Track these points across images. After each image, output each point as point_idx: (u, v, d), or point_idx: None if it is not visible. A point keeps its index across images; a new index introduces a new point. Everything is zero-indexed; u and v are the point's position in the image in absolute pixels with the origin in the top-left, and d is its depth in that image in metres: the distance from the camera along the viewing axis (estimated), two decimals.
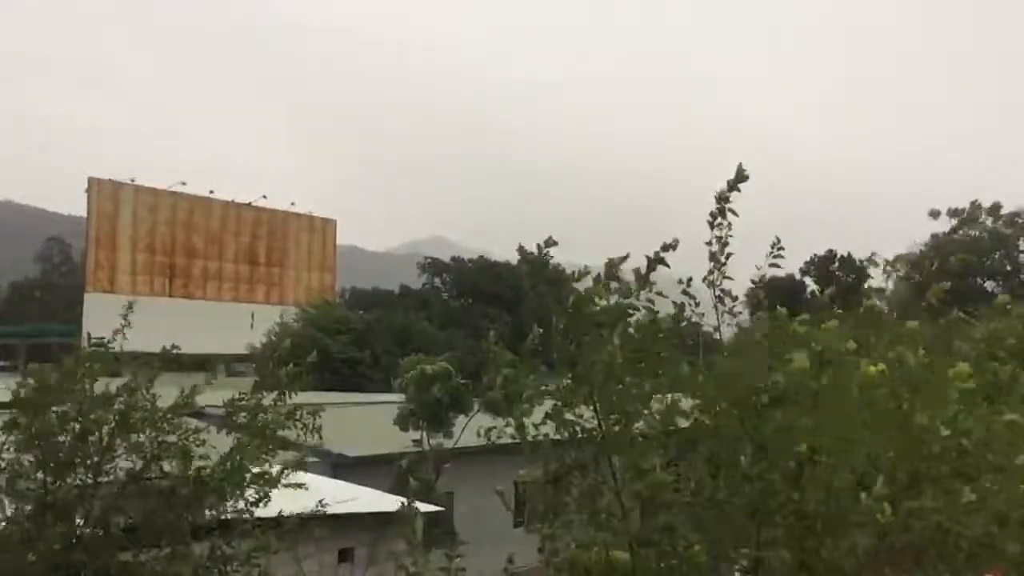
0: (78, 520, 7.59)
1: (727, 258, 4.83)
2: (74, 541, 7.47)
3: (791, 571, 4.30)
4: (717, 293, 4.86)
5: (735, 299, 4.89)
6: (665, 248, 4.88)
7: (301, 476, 8.91)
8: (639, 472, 5.02)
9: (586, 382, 5.00)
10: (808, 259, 66.86)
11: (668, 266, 4.85)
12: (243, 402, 8.58)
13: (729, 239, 4.83)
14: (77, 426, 7.64)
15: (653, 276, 4.82)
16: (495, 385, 5.34)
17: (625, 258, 4.99)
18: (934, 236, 66.77)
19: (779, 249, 4.85)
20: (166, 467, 7.93)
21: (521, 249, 5.42)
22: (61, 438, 7.59)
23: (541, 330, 5.16)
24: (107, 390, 7.90)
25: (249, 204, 75.43)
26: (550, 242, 5.24)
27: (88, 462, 7.71)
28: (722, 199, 4.81)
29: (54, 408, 7.65)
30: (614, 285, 4.91)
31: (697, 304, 4.87)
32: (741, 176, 4.81)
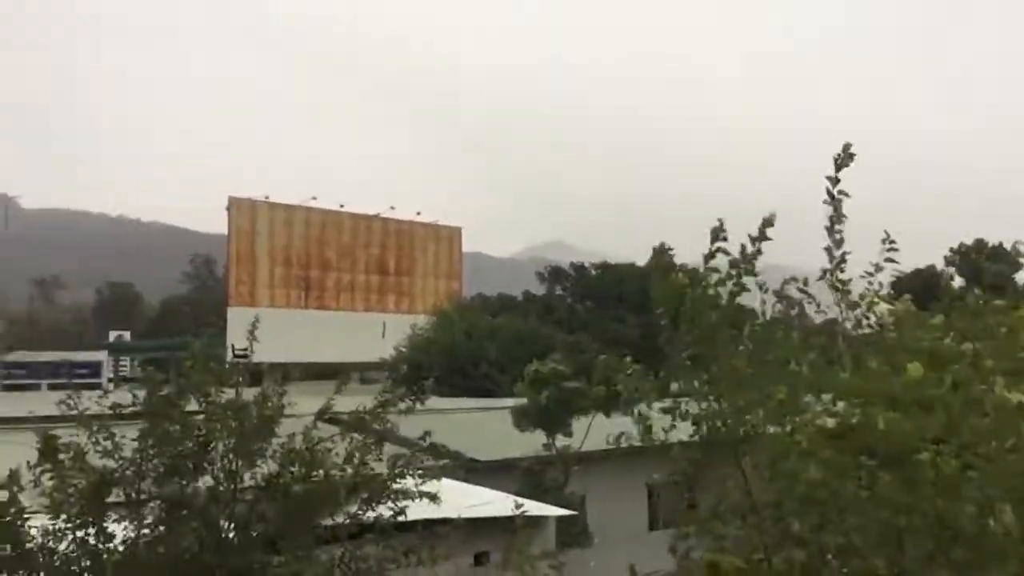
0: (214, 523, 7.96)
1: (844, 255, 4.66)
2: (204, 544, 7.82)
3: None
4: (837, 290, 4.71)
5: (856, 296, 4.73)
6: (766, 224, 4.75)
7: (435, 482, 9.13)
8: (778, 471, 4.91)
9: (718, 381, 4.95)
10: (954, 248, 63.08)
11: (770, 239, 4.70)
12: (378, 410, 8.88)
13: (842, 234, 4.66)
14: (201, 433, 8.01)
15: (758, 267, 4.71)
16: (603, 388, 5.39)
17: (721, 233, 4.86)
18: None
19: (891, 243, 4.67)
20: (298, 472, 8.23)
21: (657, 255, 5.41)
22: (188, 444, 7.95)
23: (667, 339, 5.12)
24: (233, 397, 8.26)
25: (377, 216, 77.54)
26: (662, 249, 5.21)
27: (216, 467, 8.09)
28: (834, 182, 4.63)
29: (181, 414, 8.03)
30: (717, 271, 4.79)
31: (817, 303, 4.74)
32: (847, 155, 4.62)
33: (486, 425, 24.44)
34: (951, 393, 4.10)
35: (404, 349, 50.88)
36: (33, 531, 7.34)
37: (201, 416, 8.08)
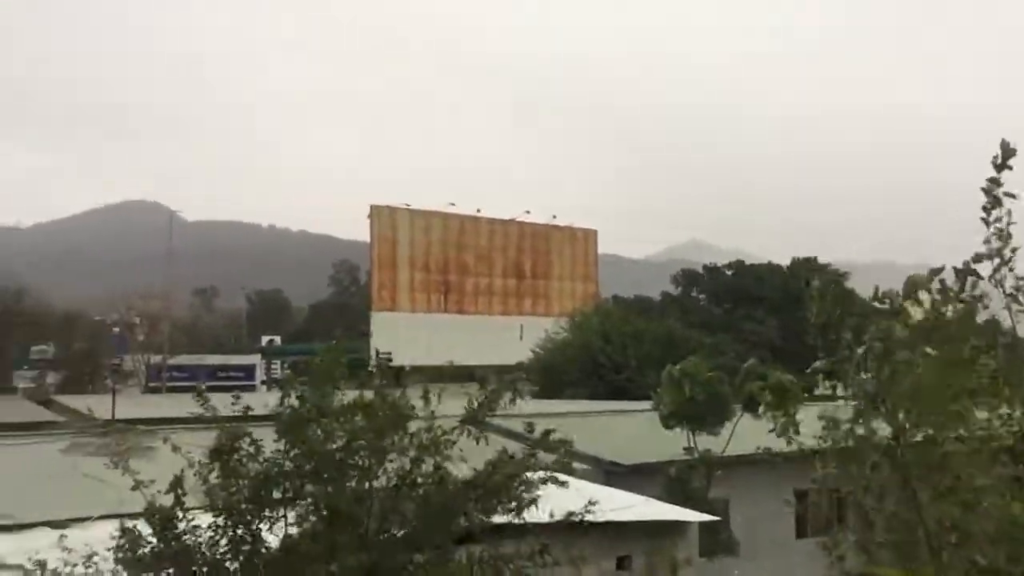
0: (359, 522, 8.17)
1: (1014, 251, 4.33)
2: (350, 543, 8.02)
3: None
4: (1008, 292, 4.39)
5: None
6: (978, 259, 4.46)
7: (576, 484, 9.12)
8: (954, 492, 4.60)
9: (891, 394, 4.69)
10: None
11: (981, 278, 4.43)
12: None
13: (1010, 228, 4.34)
14: (343, 435, 8.22)
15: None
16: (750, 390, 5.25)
17: (940, 270, 4.60)
18: None
19: None
20: (428, 470, 8.38)
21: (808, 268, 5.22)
22: (331, 446, 8.17)
23: (831, 358, 4.90)
24: (362, 396, 8.47)
25: (513, 220, 78.38)
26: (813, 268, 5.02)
27: (357, 468, 8.29)
28: (993, 183, 4.34)
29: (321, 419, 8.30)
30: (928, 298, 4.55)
31: (985, 303, 4.45)
32: (1008, 152, 4.31)
33: (626, 428, 24.28)
34: None
35: (540, 351, 51.13)
36: (194, 526, 7.74)
37: (339, 417, 8.32)
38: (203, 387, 10.29)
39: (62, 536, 8.72)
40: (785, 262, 73.93)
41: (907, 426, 4.69)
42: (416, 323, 66.46)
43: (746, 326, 63.18)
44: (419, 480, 8.28)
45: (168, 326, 72.31)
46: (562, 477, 8.91)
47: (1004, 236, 4.35)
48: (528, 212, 79.06)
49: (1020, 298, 4.37)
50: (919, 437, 4.72)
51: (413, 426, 8.46)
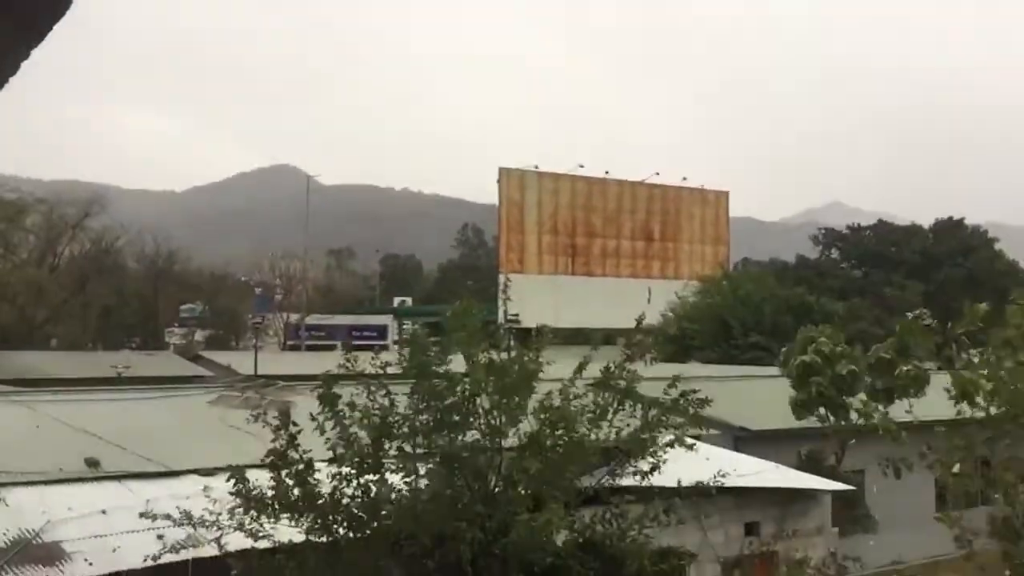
0: (482, 475, 8.34)
1: None
2: (473, 495, 8.22)
3: None
4: None
5: None
6: None
7: (705, 449, 9.04)
8: None
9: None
10: None
11: None
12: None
13: None
14: (466, 389, 8.38)
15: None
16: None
17: None
18: None
19: None
20: (555, 429, 8.46)
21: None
22: (453, 399, 8.35)
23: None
24: (496, 357, 8.58)
25: (642, 182, 77.36)
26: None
27: (481, 422, 8.43)
28: None
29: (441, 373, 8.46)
30: None
31: None
32: None
33: (755, 394, 23.81)
34: None
35: (670, 315, 50.55)
36: (320, 476, 8.07)
37: (465, 374, 8.49)
38: (349, 343, 10.67)
39: (206, 487, 9.25)
40: (929, 224, 70.41)
41: None
42: (544, 285, 66.71)
43: (885, 290, 60.69)
44: (548, 442, 8.38)
45: (306, 286, 75.14)
46: (690, 441, 8.84)
47: None
48: (658, 174, 77.87)
49: None
50: None
51: (545, 388, 8.56)
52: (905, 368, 15.71)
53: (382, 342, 65.38)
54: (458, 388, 8.40)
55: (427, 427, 8.38)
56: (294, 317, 70.58)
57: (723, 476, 8.67)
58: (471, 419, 8.42)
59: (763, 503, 12.01)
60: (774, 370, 24.01)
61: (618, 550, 8.30)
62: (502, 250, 72.36)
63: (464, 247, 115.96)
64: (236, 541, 8.01)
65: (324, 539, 7.99)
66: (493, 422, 8.43)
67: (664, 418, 8.75)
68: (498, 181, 72.21)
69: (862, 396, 19.24)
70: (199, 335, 65.51)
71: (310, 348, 63.30)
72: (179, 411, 15.71)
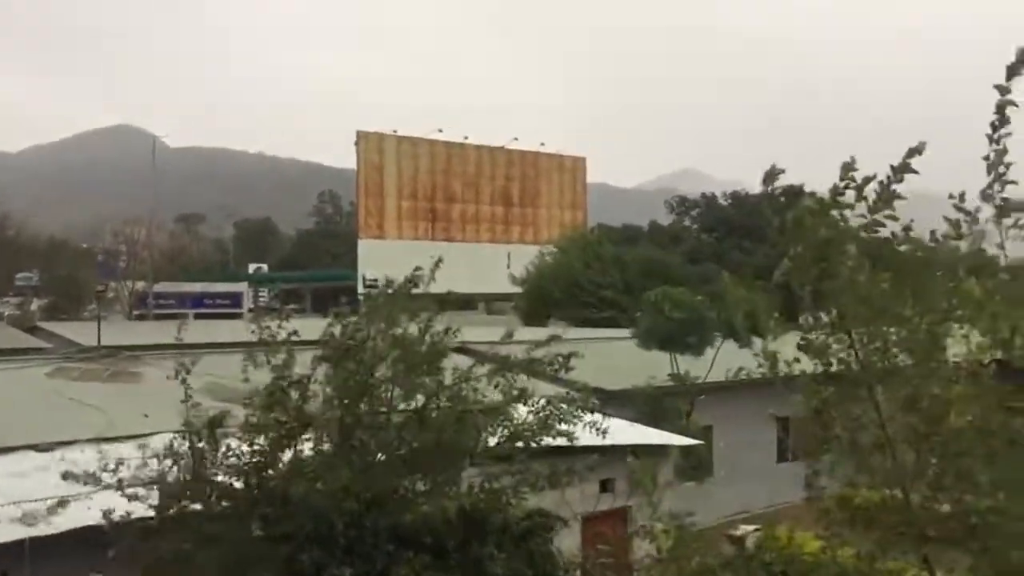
0: (365, 448, 8.28)
1: (1008, 167, 4.21)
2: (352, 467, 8.13)
3: None
4: (997, 205, 4.29)
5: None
6: (911, 153, 4.42)
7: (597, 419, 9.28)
8: (911, 403, 4.71)
9: (839, 308, 4.73)
10: None
11: (916, 172, 4.37)
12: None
13: (1007, 142, 4.22)
14: (366, 359, 8.27)
15: (916, 197, 4.41)
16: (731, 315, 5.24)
17: (871, 179, 4.57)
18: None
19: None
20: (444, 405, 8.47)
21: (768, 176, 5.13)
22: (356, 372, 8.22)
23: (789, 262, 4.90)
24: (396, 329, 8.49)
25: (502, 148, 77.68)
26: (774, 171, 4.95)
27: (376, 395, 8.35)
28: (1004, 93, 4.18)
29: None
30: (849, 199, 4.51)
31: (974, 220, 4.36)
32: (1018, 68, 4.16)
33: (609, 355, 24.43)
34: None
35: (526, 279, 51.27)
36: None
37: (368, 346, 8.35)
38: (188, 317, 10.25)
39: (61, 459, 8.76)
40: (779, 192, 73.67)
41: (864, 342, 4.72)
42: (404, 251, 66.25)
43: (735, 256, 63.31)
44: (430, 412, 8.38)
45: (152, 252, 71.89)
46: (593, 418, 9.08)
47: (1001, 151, 4.25)
48: (516, 139, 78.41)
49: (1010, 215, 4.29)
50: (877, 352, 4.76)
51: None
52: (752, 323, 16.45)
53: (237, 310, 63.53)
54: (358, 358, 8.29)
55: (327, 399, 8.24)
56: (140, 285, 67.50)
57: (591, 433, 8.96)
58: (369, 392, 8.32)
59: (617, 460, 12.35)
60: (628, 331, 24.72)
61: (489, 514, 8.43)
62: (361, 215, 71.31)
63: (322, 213, 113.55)
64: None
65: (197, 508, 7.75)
66: (386, 395, 8.37)
67: (566, 398, 8.96)
68: (356, 145, 70.95)
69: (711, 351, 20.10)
70: (36, 304, 61.71)
71: (160, 317, 60.74)
72: (13, 384, 14.76)
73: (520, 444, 8.57)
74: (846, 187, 4.60)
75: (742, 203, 70.50)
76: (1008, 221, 4.24)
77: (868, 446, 4.97)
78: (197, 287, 70.21)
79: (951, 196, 4.37)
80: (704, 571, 5.35)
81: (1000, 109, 4.20)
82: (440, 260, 9.02)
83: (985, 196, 4.27)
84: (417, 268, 8.86)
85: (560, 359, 9.17)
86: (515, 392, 8.69)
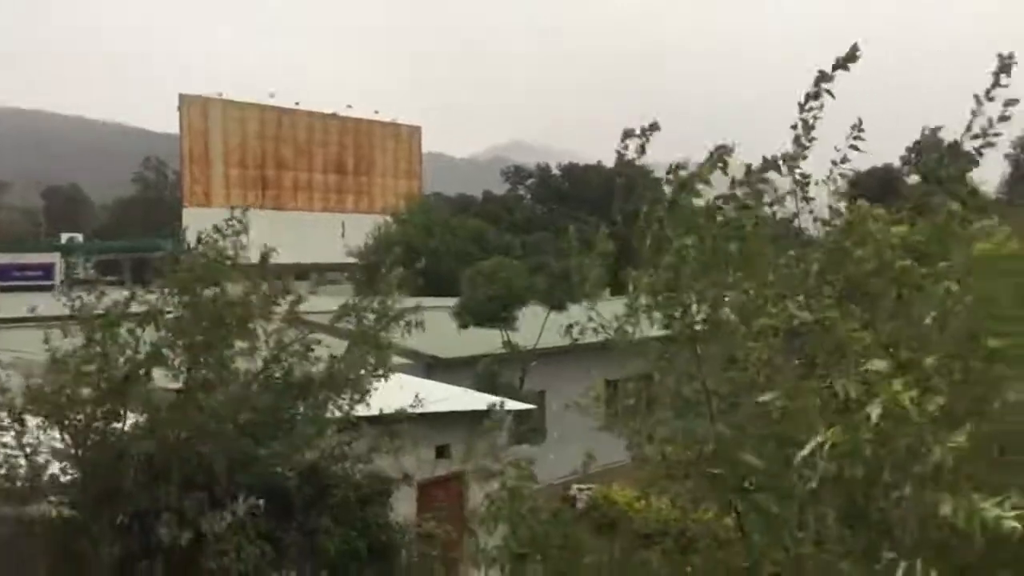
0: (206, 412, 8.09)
1: (811, 141, 4.58)
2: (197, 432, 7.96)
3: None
4: (796, 178, 4.66)
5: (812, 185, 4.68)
6: (719, 156, 4.72)
7: (398, 378, 9.31)
8: (731, 360, 4.99)
9: (671, 276, 4.97)
10: (909, 146, 62.68)
11: (777, 168, 4.63)
12: (354, 307, 8.98)
13: (816, 121, 4.58)
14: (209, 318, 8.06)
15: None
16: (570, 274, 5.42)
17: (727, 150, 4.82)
18: None
19: (859, 131, 4.61)
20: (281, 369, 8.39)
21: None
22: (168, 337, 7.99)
23: (608, 230, 5.15)
24: (229, 293, 8.29)
25: (334, 115, 76.06)
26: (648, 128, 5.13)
27: (213, 358, 8.13)
28: (823, 79, 4.51)
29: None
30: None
31: (775, 191, 4.70)
32: (853, 55, 4.49)
33: (445, 324, 24.57)
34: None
35: (363, 249, 50.79)
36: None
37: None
38: None
39: None
40: (610, 163, 75.63)
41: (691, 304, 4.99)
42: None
43: (569, 224, 64.66)
44: (268, 376, 8.28)
45: None
46: (395, 379, 9.12)
47: (807, 128, 4.57)
48: (350, 107, 76.97)
49: (807, 188, 4.64)
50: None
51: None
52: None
53: (48, 282, 59.57)
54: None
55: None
56: None
57: (420, 400, 9.02)
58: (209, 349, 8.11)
59: (453, 427, 12.49)
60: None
61: (331, 476, 8.44)
62: (186, 183, 68.35)
63: (145, 180, 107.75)
64: None
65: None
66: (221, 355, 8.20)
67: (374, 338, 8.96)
68: (179, 109, 67.72)
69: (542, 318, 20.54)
70: None
71: None
72: None
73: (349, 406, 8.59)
74: (719, 164, 4.81)
75: (573, 173, 72.14)
76: (801, 194, 4.61)
77: (689, 403, 5.25)
78: (5, 258, 65.34)
79: (749, 169, 4.67)
80: (535, 521, 5.54)
81: (815, 95, 4.52)
82: (243, 223, 8.81)
83: (789, 167, 4.59)
84: (233, 229, 8.66)
85: (384, 321, 9.19)
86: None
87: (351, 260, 53.36)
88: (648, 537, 5.71)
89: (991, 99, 4.41)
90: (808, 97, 4.58)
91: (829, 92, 4.54)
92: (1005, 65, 4.41)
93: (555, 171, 73.89)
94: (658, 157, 5.34)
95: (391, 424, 9.08)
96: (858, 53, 4.47)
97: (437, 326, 23.92)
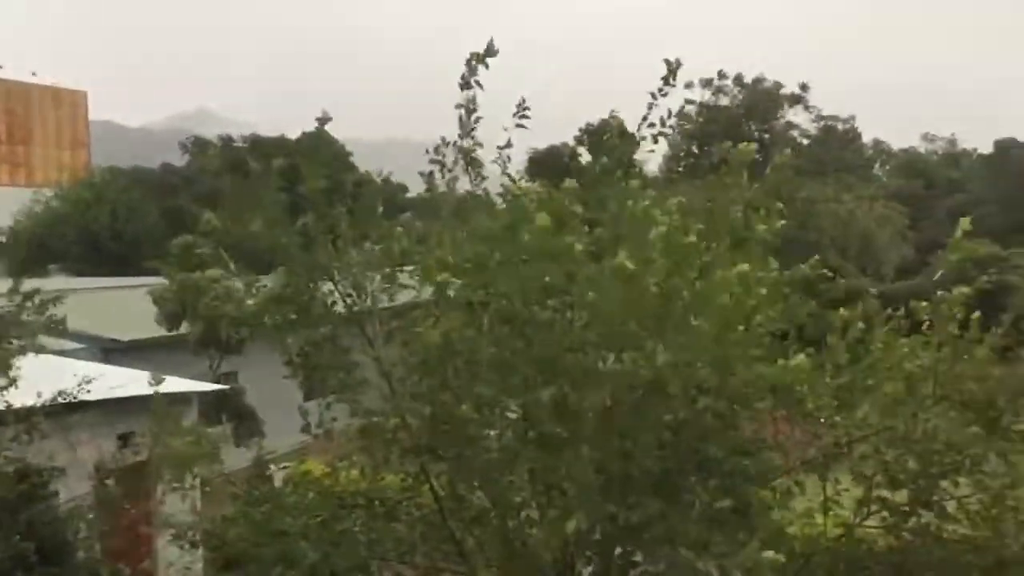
0: None
1: (476, 122, 5.05)
2: None
3: (549, 413, 4.72)
4: (467, 158, 5.13)
5: (481, 165, 5.15)
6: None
7: (66, 364, 8.67)
8: (410, 336, 5.31)
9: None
10: (582, 128, 67.44)
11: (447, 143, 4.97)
12: None
13: (476, 105, 5.05)
14: None
15: (399, 145, 5.09)
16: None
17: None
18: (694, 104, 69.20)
19: (524, 110, 5.09)
20: None
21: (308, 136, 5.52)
22: None
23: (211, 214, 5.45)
24: None
25: None
26: (325, 118, 5.37)
27: None
28: (472, 69, 4.99)
29: None
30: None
31: (449, 170, 5.12)
32: (490, 51, 5.01)
33: (128, 304, 23.00)
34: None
35: (23, 223, 45.98)
36: None
37: None
38: None
39: None
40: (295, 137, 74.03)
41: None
42: None
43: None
44: None
45: None
46: (63, 365, 8.44)
47: (469, 109, 5.05)
48: (1, 67, 68.80)
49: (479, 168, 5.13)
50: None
51: None
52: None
53: None
54: None
55: None
56: None
57: (88, 383, 8.42)
58: None
59: (137, 412, 11.80)
60: (148, 280, 23.41)
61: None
62: None
63: None
64: None
65: None
66: None
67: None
68: None
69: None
70: None
71: None
72: None
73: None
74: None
75: (259, 147, 69.75)
76: (473, 172, 5.13)
77: (361, 379, 5.55)
78: None
79: (427, 151, 5.10)
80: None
81: (466, 84, 5.00)
82: None
83: (460, 148, 5.09)
84: None
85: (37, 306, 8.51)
86: None
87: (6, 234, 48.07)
88: (344, 507, 5.87)
89: (665, 94, 5.16)
90: (463, 86, 5.06)
91: (479, 83, 5.01)
92: (672, 71, 5.16)
93: (239, 143, 71.11)
94: (358, 133, 5.52)
95: (59, 414, 8.43)
96: (495, 49, 5.00)
97: (119, 307, 22.36)
